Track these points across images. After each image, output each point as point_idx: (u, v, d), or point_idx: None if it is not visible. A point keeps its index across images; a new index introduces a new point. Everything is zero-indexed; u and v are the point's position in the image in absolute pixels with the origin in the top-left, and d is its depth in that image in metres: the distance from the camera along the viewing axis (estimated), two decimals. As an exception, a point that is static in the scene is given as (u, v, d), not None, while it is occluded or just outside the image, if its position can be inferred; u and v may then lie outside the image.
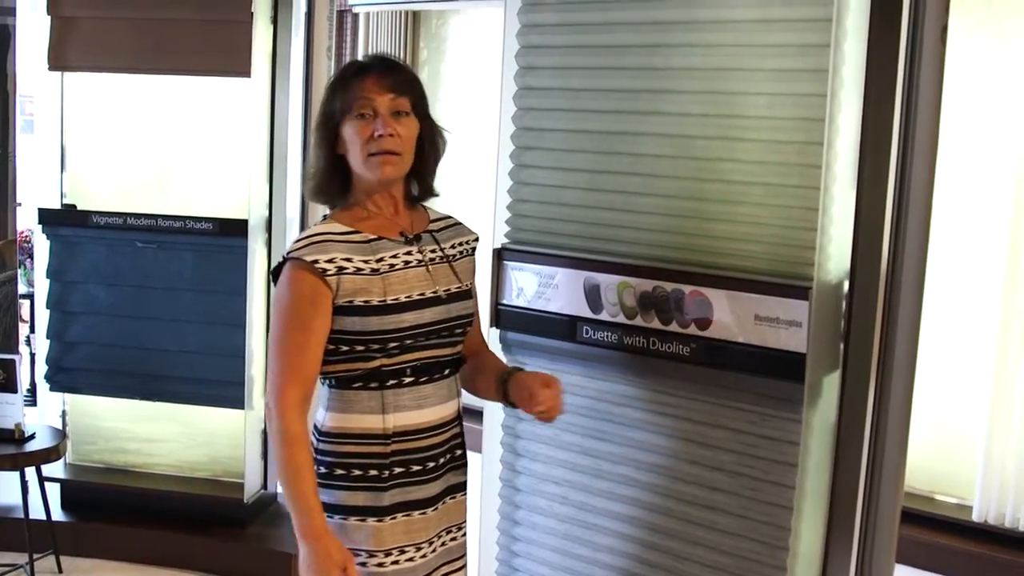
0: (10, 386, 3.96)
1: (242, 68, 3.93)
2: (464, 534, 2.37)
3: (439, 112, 6.31)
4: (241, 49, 3.91)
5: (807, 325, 2.24)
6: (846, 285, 2.39)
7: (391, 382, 2.16)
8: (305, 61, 4.06)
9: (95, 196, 4.25)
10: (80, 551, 4.21)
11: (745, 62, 2.33)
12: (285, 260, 2.13)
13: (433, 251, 2.25)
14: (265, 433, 4.24)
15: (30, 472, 4.01)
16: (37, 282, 4.32)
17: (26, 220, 4.25)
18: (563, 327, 2.63)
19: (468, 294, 2.29)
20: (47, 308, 4.30)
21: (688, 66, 2.42)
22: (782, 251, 2.32)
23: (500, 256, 2.75)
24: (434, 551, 2.25)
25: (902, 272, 2.34)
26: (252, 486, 4.26)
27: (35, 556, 3.91)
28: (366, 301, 2.11)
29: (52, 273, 4.26)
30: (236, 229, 4.06)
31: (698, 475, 2.46)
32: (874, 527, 2.43)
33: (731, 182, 2.37)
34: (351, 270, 2.11)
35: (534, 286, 2.69)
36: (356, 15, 5.94)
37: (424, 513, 2.22)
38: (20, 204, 4.40)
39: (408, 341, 2.15)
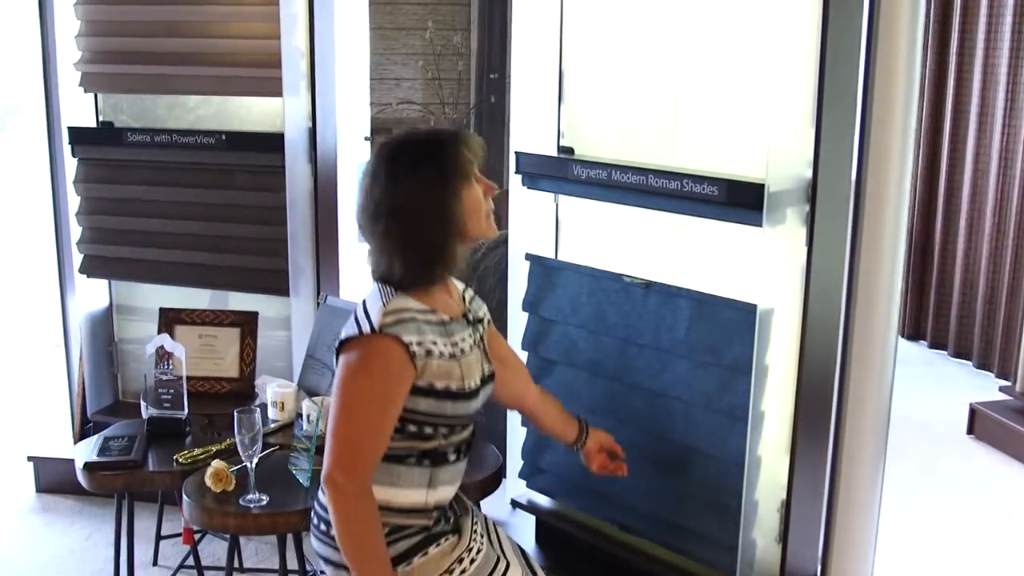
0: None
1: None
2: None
3: None
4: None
5: None
6: None
7: (441, 460, 2.19)
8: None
9: (592, 140, 3.13)
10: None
11: None
12: (372, 332, 2.05)
13: (479, 332, 2.29)
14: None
15: None
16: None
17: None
18: None
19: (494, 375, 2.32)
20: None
21: None
22: None
23: None
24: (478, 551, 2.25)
25: None
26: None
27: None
28: (446, 387, 2.11)
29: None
30: (749, 197, 2.63)
31: None
32: None
33: None
34: (436, 354, 2.10)
35: None
36: None
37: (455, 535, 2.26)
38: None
39: (468, 423, 2.23)
